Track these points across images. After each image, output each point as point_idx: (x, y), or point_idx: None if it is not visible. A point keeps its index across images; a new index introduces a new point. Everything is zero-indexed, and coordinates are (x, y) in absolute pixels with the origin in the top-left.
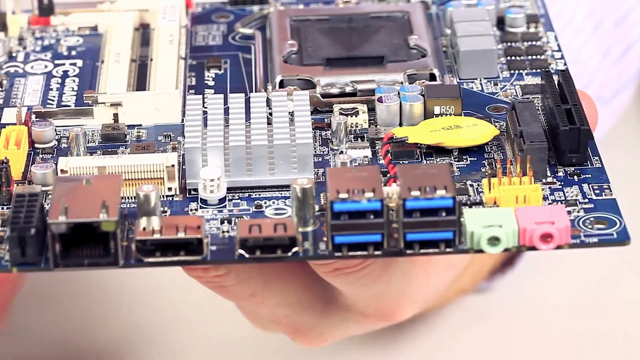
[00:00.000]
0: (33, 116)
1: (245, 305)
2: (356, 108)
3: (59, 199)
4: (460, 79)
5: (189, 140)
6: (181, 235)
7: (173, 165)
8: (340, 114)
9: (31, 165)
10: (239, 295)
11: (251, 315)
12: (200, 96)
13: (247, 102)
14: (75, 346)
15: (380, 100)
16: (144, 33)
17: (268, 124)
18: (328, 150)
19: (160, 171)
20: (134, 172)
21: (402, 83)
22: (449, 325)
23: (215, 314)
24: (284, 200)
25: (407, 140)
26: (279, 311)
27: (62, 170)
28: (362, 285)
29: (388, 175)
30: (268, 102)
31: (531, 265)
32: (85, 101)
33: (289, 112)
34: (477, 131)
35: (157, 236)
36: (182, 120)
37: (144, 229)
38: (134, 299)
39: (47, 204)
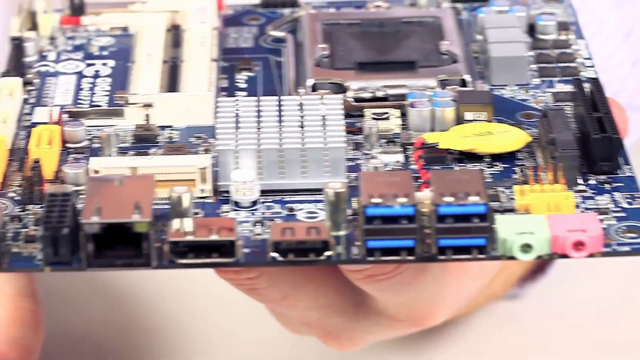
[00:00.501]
0: (65, 116)
1: (276, 308)
2: (388, 113)
3: (91, 199)
4: (491, 85)
5: (221, 143)
6: (214, 237)
7: (205, 167)
8: (372, 118)
9: (63, 164)
10: (270, 298)
11: (282, 318)
12: (233, 98)
13: (279, 104)
14: (102, 347)
15: (412, 105)
16: (175, 34)
17: (300, 127)
18: (360, 155)
19: (192, 173)
20: (166, 173)
21: (433, 88)
22: (479, 331)
23: (245, 316)
24: (316, 203)
25: (439, 145)
26: (310, 314)
27: (94, 171)
28: (394, 292)
29: (420, 180)
30: (300, 106)
31: (562, 273)
32: (116, 102)
33: (322, 116)
34: (508, 138)
35: (190, 238)
36: (214, 122)
37: (177, 230)
38: (164, 300)
39: (80, 204)
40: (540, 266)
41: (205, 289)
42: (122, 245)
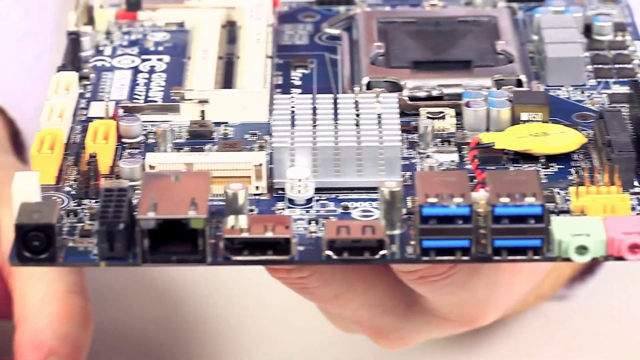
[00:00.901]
0: (120, 110)
1: (328, 307)
2: (443, 112)
3: (148, 194)
4: (547, 86)
5: (277, 140)
6: (269, 234)
7: (261, 164)
8: (428, 117)
9: (118, 159)
10: (322, 297)
11: (333, 316)
12: (288, 95)
13: (335, 102)
14: (150, 344)
15: (467, 105)
16: (230, 30)
17: (356, 125)
18: (415, 154)
19: (247, 170)
20: (222, 170)
21: (489, 88)
22: (527, 331)
23: (296, 315)
24: (371, 202)
25: (494, 145)
26: (361, 313)
27: (150, 166)
28: (447, 293)
29: (476, 180)
30: (356, 104)
31: (611, 274)
32: (172, 97)
33: (377, 115)
34: (564, 139)
35: (245, 235)
36: (269, 119)
37: (232, 227)
38: (214, 298)
39: (135, 199)
40: (590, 267)
41: (255, 287)
42: (177, 241)
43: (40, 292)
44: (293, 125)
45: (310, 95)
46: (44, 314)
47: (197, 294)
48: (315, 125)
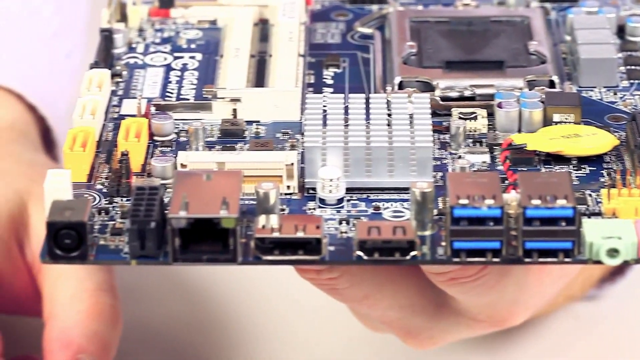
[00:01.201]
0: (152, 108)
1: (357, 308)
2: (475, 112)
3: (179, 193)
4: (579, 87)
5: (309, 139)
6: (300, 234)
7: (292, 164)
8: (459, 118)
9: (150, 157)
10: (351, 298)
11: (362, 316)
12: (321, 95)
13: (367, 102)
14: (178, 343)
15: (499, 106)
16: (262, 29)
17: (387, 125)
18: (446, 154)
19: (279, 169)
20: (253, 169)
21: (521, 89)
22: (556, 331)
23: (324, 314)
24: (402, 202)
25: (526, 147)
26: (390, 314)
27: (182, 165)
28: (477, 294)
29: (507, 182)
30: (388, 104)
31: None
32: (204, 96)
33: (409, 115)
34: (596, 140)
35: (276, 234)
36: (301, 118)
37: (263, 226)
38: (243, 298)
39: (167, 198)
40: (620, 268)
41: (284, 286)
42: (208, 240)
43: (70, 290)
44: (325, 124)
45: (342, 95)
46: (73, 312)
47: (225, 292)
48: (347, 125)
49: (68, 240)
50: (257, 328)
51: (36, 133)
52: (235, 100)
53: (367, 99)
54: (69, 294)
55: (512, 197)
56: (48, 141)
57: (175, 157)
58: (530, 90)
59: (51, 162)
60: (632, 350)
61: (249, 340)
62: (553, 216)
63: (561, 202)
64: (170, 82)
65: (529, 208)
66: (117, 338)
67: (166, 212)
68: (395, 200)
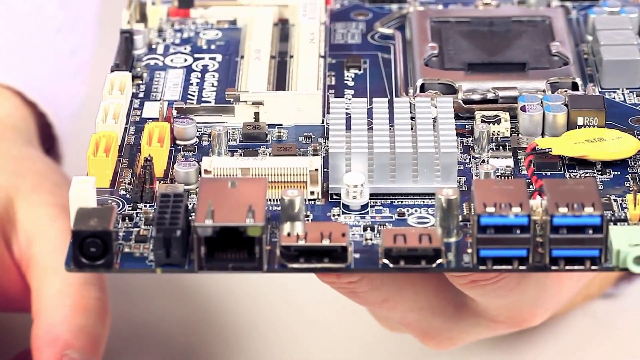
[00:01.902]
0: (174, 112)
1: (377, 311)
2: (498, 116)
3: (205, 201)
4: (602, 89)
5: (334, 145)
6: (326, 242)
7: (317, 170)
8: (482, 121)
9: (173, 162)
10: (371, 301)
11: (381, 318)
12: (344, 99)
13: (390, 105)
14: (170, 342)
15: (523, 109)
16: (282, 28)
17: (411, 129)
18: (470, 158)
19: (303, 175)
20: (277, 174)
21: (544, 91)
22: (575, 330)
23: (341, 314)
24: (426, 208)
25: (551, 151)
26: (410, 316)
27: (205, 171)
28: (497, 296)
29: (532, 188)
30: (411, 107)
31: None
32: (226, 99)
33: (432, 119)
34: (621, 145)
35: (301, 242)
36: (323, 121)
37: (288, 234)
38: (244, 301)
39: (191, 204)
40: None
41: (278, 287)
42: (233, 248)
43: (56, 285)
44: (349, 129)
45: (365, 99)
46: (60, 308)
47: (219, 291)
48: (370, 130)
49: (93, 248)
50: (250, 327)
51: (33, 129)
52: (258, 103)
53: (390, 102)
54: (55, 290)
55: (537, 204)
56: (49, 137)
57: (198, 162)
58: (553, 92)
59: (44, 157)
60: None
61: (243, 339)
62: (580, 224)
63: (588, 210)
64: (191, 84)
65: (556, 216)
66: (105, 331)
67: (191, 219)
68: (420, 206)
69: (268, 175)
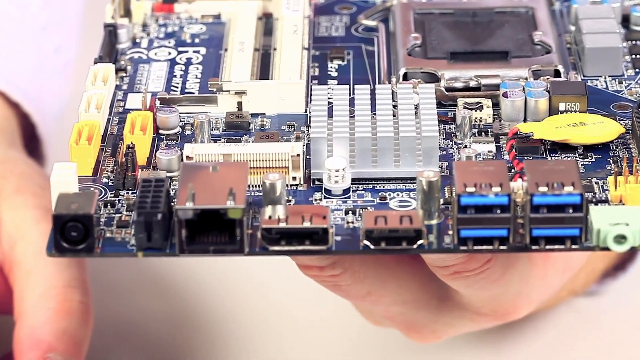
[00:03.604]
0: (157, 102)
1: (360, 304)
2: (480, 102)
3: (185, 185)
4: (584, 76)
5: (315, 130)
6: (307, 224)
7: (298, 155)
8: (465, 108)
9: (155, 151)
10: (355, 295)
11: (365, 311)
12: (326, 86)
13: (372, 93)
14: (152, 338)
15: (505, 95)
16: (266, 22)
17: (393, 116)
18: (452, 144)
19: (285, 160)
20: (259, 160)
21: (526, 79)
22: (559, 326)
23: (325, 309)
24: (408, 192)
25: (533, 136)
26: (394, 309)
27: (187, 157)
28: (481, 288)
29: (514, 170)
30: (393, 94)
31: None
32: (209, 89)
33: (414, 105)
34: (602, 129)
35: (282, 225)
36: (306, 110)
37: (270, 217)
38: (219, 290)
39: (173, 190)
40: (622, 263)
41: (259, 279)
42: (215, 231)
43: (39, 287)
44: (330, 115)
45: (347, 86)
46: (42, 310)
47: (200, 285)
48: (352, 116)
49: (74, 233)
50: (233, 321)
51: (16, 129)
52: (241, 93)
53: (372, 90)
54: (38, 292)
55: (518, 186)
56: (32, 137)
57: (181, 149)
58: (535, 80)
59: (27, 158)
60: (633, 346)
61: (226, 334)
62: (560, 203)
63: (568, 188)
64: (174, 76)
65: (536, 195)
66: (87, 335)
67: (173, 204)
68: (402, 190)
69: (250, 160)
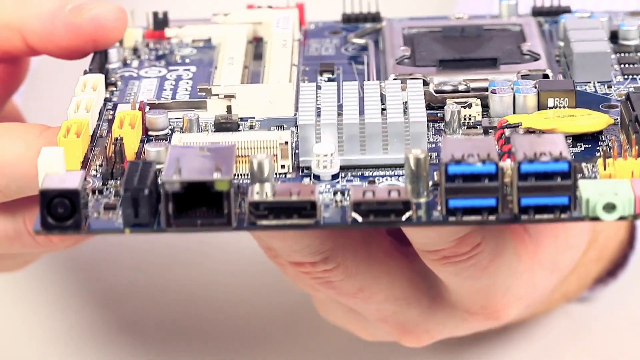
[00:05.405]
0: (147, 107)
1: (351, 303)
2: (469, 102)
3: (173, 160)
4: (574, 82)
5: (303, 117)
6: (295, 198)
7: (286, 142)
8: (454, 103)
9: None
10: (346, 291)
11: (357, 325)
12: (314, 83)
13: (361, 88)
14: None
15: (493, 91)
16: (257, 46)
17: (382, 103)
18: (441, 139)
19: (273, 147)
20: (248, 148)
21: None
22: (551, 333)
23: (314, 324)
24: (397, 177)
25: (521, 125)
26: (386, 307)
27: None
28: (468, 277)
29: (502, 151)
30: (381, 89)
31: (634, 277)
32: (199, 93)
33: (403, 102)
34: (591, 119)
35: (270, 199)
36: (295, 113)
37: (257, 193)
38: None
39: (160, 167)
40: (613, 269)
41: (259, 281)
42: (202, 207)
43: None
44: (319, 104)
45: (335, 83)
46: None
47: (195, 288)
48: (341, 104)
49: (61, 209)
50: (233, 321)
51: None
52: (230, 96)
53: (361, 86)
54: None
55: (507, 165)
56: None
57: (169, 143)
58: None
59: None
60: (623, 353)
61: (225, 334)
62: (548, 170)
63: (556, 156)
64: (164, 89)
65: (523, 163)
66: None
67: (160, 178)
68: (391, 176)
69: (238, 149)
